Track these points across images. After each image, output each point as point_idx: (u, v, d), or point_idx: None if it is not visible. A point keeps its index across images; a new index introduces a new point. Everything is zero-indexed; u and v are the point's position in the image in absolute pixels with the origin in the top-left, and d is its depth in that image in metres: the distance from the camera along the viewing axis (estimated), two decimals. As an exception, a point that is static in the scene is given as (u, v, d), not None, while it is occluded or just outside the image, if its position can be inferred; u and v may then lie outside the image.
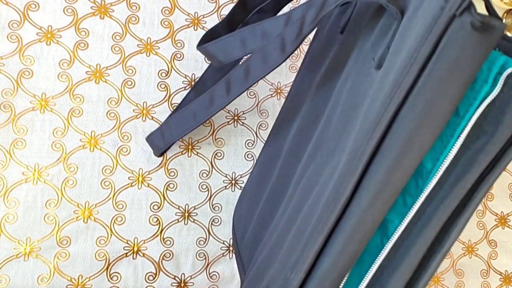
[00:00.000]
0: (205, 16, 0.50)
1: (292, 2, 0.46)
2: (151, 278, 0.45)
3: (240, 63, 0.41)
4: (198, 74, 0.49)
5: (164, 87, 0.48)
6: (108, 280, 0.44)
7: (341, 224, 0.25)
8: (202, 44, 0.40)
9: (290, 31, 0.33)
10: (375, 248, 0.26)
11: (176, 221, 0.46)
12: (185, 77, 0.48)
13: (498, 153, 0.23)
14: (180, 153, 0.47)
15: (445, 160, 0.24)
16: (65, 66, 0.45)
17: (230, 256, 0.47)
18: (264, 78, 0.51)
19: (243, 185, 0.48)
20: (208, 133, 0.48)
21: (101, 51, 0.46)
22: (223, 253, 0.47)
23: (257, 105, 0.50)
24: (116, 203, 0.45)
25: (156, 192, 0.46)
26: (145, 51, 0.47)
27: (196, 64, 0.49)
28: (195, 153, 0.48)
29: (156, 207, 0.46)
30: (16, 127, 0.43)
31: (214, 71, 0.47)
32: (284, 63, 0.51)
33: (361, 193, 0.24)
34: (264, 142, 0.49)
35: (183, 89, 0.48)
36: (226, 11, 0.50)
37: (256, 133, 0.50)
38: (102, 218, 0.44)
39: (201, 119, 0.40)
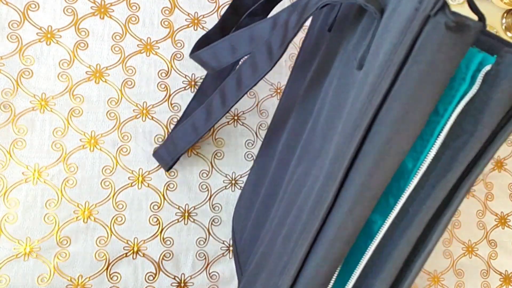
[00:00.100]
0: (205, 16, 0.50)
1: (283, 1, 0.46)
2: (151, 278, 0.45)
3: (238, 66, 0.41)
4: (198, 74, 0.49)
5: (164, 87, 0.48)
6: (108, 280, 0.44)
7: (324, 230, 0.25)
8: (195, 51, 0.40)
9: (276, 37, 0.33)
10: (359, 249, 0.26)
11: (176, 221, 0.46)
12: (185, 77, 0.48)
13: (478, 151, 0.23)
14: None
15: (425, 160, 0.23)
16: (65, 66, 0.45)
17: (230, 256, 0.47)
18: (264, 78, 0.51)
19: (243, 185, 0.48)
20: (208, 133, 0.48)
21: (101, 51, 0.46)
22: (223, 253, 0.47)
23: (257, 105, 0.50)
24: (116, 203, 0.45)
25: (156, 192, 0.46)
26: (145, 51, 0.47)
27: (196, 64, 0.49)
28: (195, 153, 0.48)
29: (156, 207, 0.46)
30: (16, 127, 0.43)
31: (213, 79, 0.47)
32: (284, 63, 0.51)
33: (342, 199, 0.24)
34: (264, 142, 0.49)
35: (183, 89, 0.48)
36: (226, 11, 0.50)
37: (256, 133, 0.50)
38: (102, 218, 0.44)
39: (202, 132, 0.41)
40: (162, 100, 0.47)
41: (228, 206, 0.48)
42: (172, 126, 0.47)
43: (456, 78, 0.22)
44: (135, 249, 0.45)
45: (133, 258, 0.45)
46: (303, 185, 0.29)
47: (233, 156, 0.49)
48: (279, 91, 0.51)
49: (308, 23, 0.43)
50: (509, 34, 0.57)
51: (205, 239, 0.47)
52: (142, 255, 0.45)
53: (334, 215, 0.24)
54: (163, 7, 0.48)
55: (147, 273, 0.45)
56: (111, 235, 0.44)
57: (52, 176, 0.43)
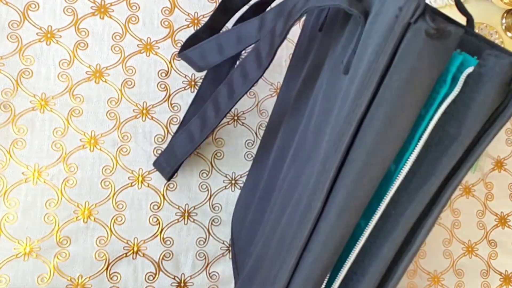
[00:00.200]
0: (205, 16, 0.50)
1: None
2: (151, 278, 0.45)
3: (235, 65, 0.41)
4: (198, 74, 0.49)
5: (164, 87, 0.48)
6: (108, 280, 0.44)
7: (312, 239, 0.25)
8: (184, 49, 0.40)
9: (263, 44, 0.33)
10: (345, 252, 0.26)
11: (176, 221, 0.46)
12: (185, 77, 0.48)
13: (462, 155, 0.23)
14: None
15: (406, 163, 0.23)
16: (65, 66, 0.45)
17: (230, 256, 0.47)
18: (264, 78, 0.51)
19: (242, 185, 0.48)
20: (208, 133, 0.48)
21: (101, 51, 0.46)
22: (223, 253, 0.47)
23: (257, 105, 0.50)
24: (116, 203, 0.45)
25: (156, 192, 0.46)
26: (145, 51, 0.47)
27: (196, 64, 0.49)
28: (195, 153, 0.48)
29: (156, 207, 0.46)
30: (16, 127, 0.43)
31: (211, 84, 0.46)
32: (284, 63, 0.51)
33: (329, 208, 0.23)
34: (264, 142, 0.49)
35: (183, 89, 0.48)
36: (226, 11, 0.50)
37: (256, 133, 0.50)
38: (102, 218, 0.44)
39: (198, 141, 0.41)
40: (162, 100, 0.47)
41: (228, 206, 0.48)
42: (172, 126, 0.47)
43: (437, 80, 0.21)
44: (135, 249, 0.45)
45: (133, 258, 0.45)
46: (294, 191, 0.28)
47: (233, 156, 0.49)
48: (279, 91, 0.51)
49: (303, 20, 0.44)
50: (509, 34, 0.57)
51: (205, 239, 0.47)
52: (142, 255, 0.45)
53: (322, 224, 0.24)
54: (163, 7, 0.48)
55: (147, 273, 0.45)
56: (111, 235, 0.44)
57: (52, 176, 0.43)
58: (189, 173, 0.47)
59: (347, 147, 0.22)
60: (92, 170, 0.44)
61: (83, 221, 0.44)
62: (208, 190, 0.48)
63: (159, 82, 0.47)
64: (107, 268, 0.44)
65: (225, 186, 0.48)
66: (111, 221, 0.44)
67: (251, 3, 0.43)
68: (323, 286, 0.25)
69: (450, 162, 0.23)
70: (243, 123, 0.50)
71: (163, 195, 0.46)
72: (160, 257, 0.45)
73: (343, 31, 0.27)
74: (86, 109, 0.45)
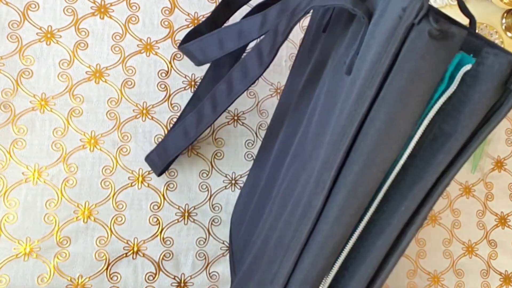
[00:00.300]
0: (205, 16, 0.50)
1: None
2: (151, 278, 0.45)
3: (234, 62, 0.41)
4: (198, 74, 0.49)
5: (164, 87, 0.48)
6: (108, 280, 0.44)
7: (312, 238, 0.25)
8: (184, 43, 0.40)
9: (266, 42, 0.33)
10: None
11: (176, 221, 0.46)
12: (185, 77, 0.48)
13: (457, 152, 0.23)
14: (180, 153, 0.47)
15: (400, 160, 0.23)
16: (65, 66, 0.45)
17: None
18: (264, 78, 0.51)
19: (242, 185, 0.48)
20: (208, 133, 0.48)
21: (101, 51, 0.46)
22: (223, 253, 0.47)
23: (257, 105, 0.50)
24: (116, 203, 0.45)
25: (156, 192, 0.46)
26: (145, 51, 0.47)
27: (196, 64, 0.49)
28: (195, 153, 0.48)
29: (156, 207, 0.46)
30: (16, 127, 0.43)
31: (209, 84, 0.46)
32: (284, 63, 0.51)
33: (329, 207, 0.23)
34: (264, 142, 0.49)
35: (183, 89, 0.48)
36: (226, 11, 0.50)
37: (256, 133, 0.50)
38: (102, 218, 0.44)
39: (192, 137, 0.40)
40: (162, 100, 0.47)
41: (228, 206, 0.48)
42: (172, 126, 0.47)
43: None
44: (135, 249, 0.45)
45: (133, 258, 0.45)
46: (294, 190, 0.28)
47: (233, 156, 0.49)
48: (279, 91, 0.51)
49: (307, 22, 0.43)
50: (509, 34, 0.57)
51: (205, 239, 0.47)
52: (142, 255, 0.45)
53: (322, 223, 0.24)
54: (163, 7, 0.48)
55: (147, 273, 0.45)
56: (111, 235, 0.44)
57: (52, 176, 0.43)
58: (189, 173, 0.47)
59: (349, 147, 0.22)
60: (92, 170, 0.44)
61: (83, 221, 0.44)
62: (208, 190, 0.48)
63: (159, 82, 0.47)
64: (107, 268, 0.44)
65: (225, 186, 0.48)
66: (111, 221, 0.44)
67: (255, 2, 0.43)
68: (321, 286, 0.25)
69: (445, 159, 0.23)
70: (243, 123, 0.50)
71: (163, 195, 0.46)
72: (160, 257, 0.45)
73: (347, 32, 0.27)
74: (86, 109, 0.45)
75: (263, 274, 0.30)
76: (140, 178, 0.46)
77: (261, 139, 0.50)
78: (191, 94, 0.48)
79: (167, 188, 0.46)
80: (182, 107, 0.48)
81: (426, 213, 0.24)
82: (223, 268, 0.47)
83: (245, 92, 0.50)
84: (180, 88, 0.48)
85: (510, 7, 0.57)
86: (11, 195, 0.42)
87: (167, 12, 0.49)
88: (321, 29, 0.34)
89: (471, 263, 0.54)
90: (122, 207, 0.45)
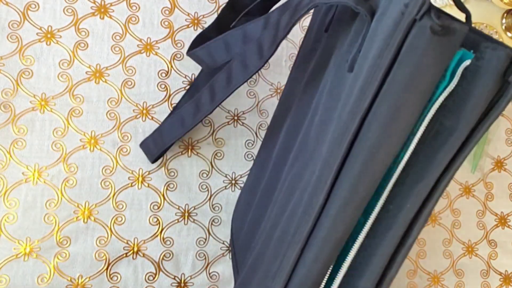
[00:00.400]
0: (205, 16, 0.50)
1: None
2: (151, 278, 0.45)
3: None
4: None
5: (164, 87, 0.48)
6: (108, 280, 0.44)
7: (314, 233, 0.25)
8: (193, 48, 0.40)
9: (267, 36, 0.33)
10: (344, 248, 0.26)
11: (176, 221, 0.46)
12: (185, 77, 0.48)
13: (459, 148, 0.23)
14: (180, 153, 0.47)
15: (403, 157, 0.23)
16: (65, 66, 0.45)
17: (230, 256, 0.47)
18: (264, 78, 0.51)
19: (243, 185, 0.48)
20: (208, 133, 0.48)
21: (101, 51, 0.46)
22: (223, 253, 0.47)
23: (257, 105, 0.50)
24: (116, 203, 0.45)
25: (156, 192, 0.46)
26: (145, 51, 0.47)
27: (196, 64, 0.49)
28: (195, 153, 0.48)
29: (156, 207, 0.46)
30: (16, 127, 0.43)
31: (207, 76, 0.46)
32: (284, 63, 0.51)
33: (332, 202, 0.24)
34: (264, 142, 0.49)
35: (183, 89, 0.48)
36: (226, 11, 0.50)
37: (256, 133, 0.50)
38: (102, 218, 0.44)
39: (189, 126, 0.41)
40: (162, 100, 0.47)
41: (228, 206, 0.48)
42: (172, 126, 0.47)
43: None
44: (135, 249, 0.45)
45: (133, 258, 0.45)
46: (296, 187, 0.29)
47: (233, 156, 0.49)
48: (279, 91, 0.51)
49: (307, 22, 0.44)
50: (509, 34, 0.57)
51: (205, 239, 0.47)
52: (142, 255, 0.45)
53: (324, 219, 0.24)
54: (163, 7, 0.48)
55: (147, 273, 0.45)
56: (111, 235, 0.44)
57: (52, 176, 0.43)
58: (189, 173, 0.47)
59: (351, 142, 0.22)
60: (92, 170, 0.44)
61: (83, 221, 0.44)
62: (208, 190, 0.48)
63: (159, 82, 0.47)
64: (107, 268, 0.44)
65: (225, 186, 0.48)
66: (111, 221, 0.44)
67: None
68: (323, 282, 0.25)
69: (448, 155, 0.23)
70: (243, 123, 0.50)
71: (163, 195, 0.46)
72: (160, 257, 0.45)
73: (349, 30, 0.27)
74: (86, 109, 0.45)
75: (265, 272, 0.30)
76: (140, 178, 0.46)
77: (261, 139, 0.50)
78: (191, 94, 0.48)
79: (167, 188, 0.46)
80: (182, 107, 0.48)
81: (431, 209, 0.24)
82: (223, 268, 0.47)
83: (245, 92, 0.50)
84: (180, 88, 0.48)
85: (510, 7, 0.57)
86: (11, 195, 0.42)
87: (167, 12, 0.49)
88: (323, 28, 0.34)
89: (471, 263, 0.54)
90: (122, 207, 0.45)
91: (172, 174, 0.47)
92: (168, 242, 0.46)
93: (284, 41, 0.51)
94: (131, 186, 0.45)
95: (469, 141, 0.23)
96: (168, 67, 0.48)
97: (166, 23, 0.48)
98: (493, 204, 0.56)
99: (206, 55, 0.39)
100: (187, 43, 0.49)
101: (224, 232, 0.47)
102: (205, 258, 0.47)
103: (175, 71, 0.48)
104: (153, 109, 0.47)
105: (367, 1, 0.24)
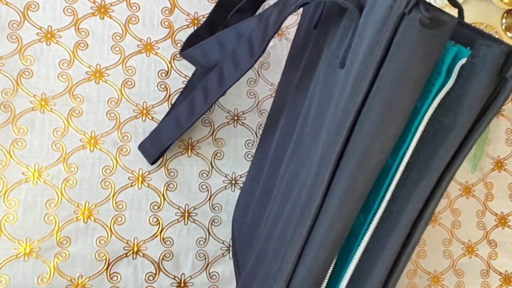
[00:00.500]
0: (205, 16, 0.50)
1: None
2: (151, 278, 0.45)
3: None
4: (198, 74, 0.49)
5: (164, 87, 0.48)
6: (108, 280, 0.44)
7: (313, 232, 0.25)
8: (185, 49, 0.40)
9: (256, 34, 0.33)
10: (349, 250, 0.26)
11: (176, 221, 0.46)
12: (185, 77, 0.48)
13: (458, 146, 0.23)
14: (180, 153, 0.47)
15: (404, 157, 0.23)
16: (65, 66, 0.45)
17: (230, 256, 0.47)
18: (264, 78, 0.51)
19: (242, 185, 0.48)
20: (208, 133, 0.48)
21: (101, 51, 0.46)
22: (223, 253, 0.47)
23: (257, 105, 0.50)
24: (116, 203, 0.45)
25: (156, 192, 0.46)
26: (145, 51, 0.47)
27: (196, 64, 0.49)
28: (195, 153, 0.48)
29: (156, 207, 0.46)
30: (16, 127, 0.43)
31: (202, 75, 0.46)
32: (284, 63, 0.51)
33: (329, 201, 0.23)
34: (264, 142, 0.49)
35: (183, 89, 0.48)
36: (226, 11, 0.50)
37: (256, 133, 0.50)
38: (102, 218, 0.44)
39: (185, 127, 0.41)
40: (162, 100, 0.47)
41: (228, 206, 0.48)
42: (172, 126, 0.47)
43: (432, 73, 0.21)
44: (135, 249, 0.45)
45: (133, 258, 0.45)
46: (293, 186, 0.28)
47: (233, 156, 0.49)
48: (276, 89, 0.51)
49: (299, 19, 0.44)
50: (509, 34, 0.57)
51: (205, 239, 0.47)
52: (142, 255, 0.45)
53: (322, 217, 0.24)
54: (163, 7, 0.48)
55: (147, 273, 0.45)
56: (111, 235, 0.44)
57: (52, 176, 0.43)
58: (189, 173, 0.47)
59: (345, 139, 0.22)
60: (92, 170, 0.44)
61: (83, 221, 0.44)
62: (208, 190, 0.48)
63: (159, 82, 0.47)
64: (107, 268, 0.44)
65: (225, 186, 0.48)
66: (111, 221, 0.44)
67: None
68: (324, 282, 0.25)
69: (448, 154, 0.23)
70: (243, 123, 0.50)
71: (163, 195, 0.46)
72: (160, 257, 0.45)
73: (338, 26, 0.27)
74: (86, 109, 0.45)
75: (266, 272, 0.30)
76: (140, 178, 0.46)
77: (261, 139, 0.50)
78: (191, 94, 0.48)
79: (167, 188, 0.46)
80: (182, 107, 0.48)
81: (433, 209, 0.24)
82: (223, 268, 0.47)
83: (245, 92, 0.50)
84: (180, 88, 0.48)
85: (510, 7, 0.57)
86: (11, 195, 0.42)
87: (167, 12, 0.49)
88: (312, 25, 0.34)
89: (471, 263, 0.54)
90: (122, 207, 0.45)
91: (172, 174, 0.47)
92: (168, 242, 0.46)
93: (284, 41, 0.51)
94: (131, 186, 0.45)
95: (468, 139, 0.23)
96: (168, 67, 0.48)
97: (166, 23, 0.48)
98: (493, 204, 0.56)
99: (200, 55, 0.39)
100: (187, 43, 0.49)
101: (224, 232, 0.47)
102: (205, 258, 0.47)
103: (175, 71, 0.48)
104: (153, 109, 0.47)
105: None
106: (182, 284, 0.46)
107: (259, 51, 0.33)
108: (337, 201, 0.23)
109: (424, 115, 0.23)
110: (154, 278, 0.45)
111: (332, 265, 0.25)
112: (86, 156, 0.44)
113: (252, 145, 0.50)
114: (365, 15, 0.23)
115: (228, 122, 0.49)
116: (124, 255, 0.44)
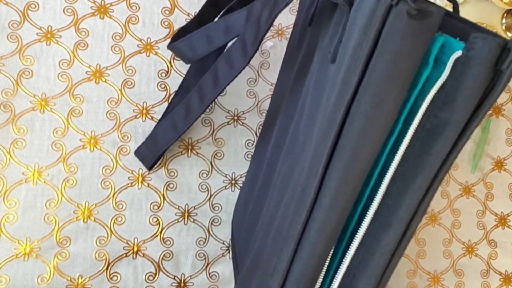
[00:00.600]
0: (205, 16, 0.50)
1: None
2: (151, 278, 0.45)
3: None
4: (198, 74, 0.49)
5: (164, 87, 0.48)
6: (108, 280, 0.44)
7: (308, 227, 0.25)
8: (173, 42, 0.40)
9: (249, 33, 0.33)
10: (343, 248, 0.26)
11: (176, 221, 0.46)
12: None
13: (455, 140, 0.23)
14: (180, 153, 0.47)
15: (398, 151, 0.23)
16: (65, 66, 0.45)
17: (230, 256, 0.47)
18: (264, 78, 0.51)
19: (242, 185, 0.48)
20: (208, 133, 0.48)
21: (101, 51, 0.46)
22: (223, 253, 0.47)
23: (257, 105, 0.50)
24: (116, 203, 0.45)
25: (156, 192, 0.46)
26: (145, 51, 0.47)
27: (196, 64, 0.49)
28: (195, 153, 0.48)
29: (156, 207, 0.46)
30: (16, 127, 0.43)
31: (195, 75, 0.46)
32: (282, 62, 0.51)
33: (323, 195, 0.24)
34: (264, 142, 0.49)
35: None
36: (226, 11, 0.50)
37: (256, 133, 0.50)
38: (102, 218, 0.44)
39: (181, 129, 0.41)
40: (162, 100, 0.47)
41: (228, 206, 0.48)
42: (172, 126, 0.47)
43: (420, 63, 0.21)
44: (135, 249, 0.45)
45: (133, 258, 0.45)
46: (288, 183, 0.29)
47: (233, 156, 0.49)
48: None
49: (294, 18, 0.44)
50: (509, 34, 0.57)
51: (205, 239, 0.47)
52: (142, 255, 0.45)
53: (316, 211, 0.24)
54: (163, 7, 0.49)
55: (147, 273, 0.45)
56: (111, 235, 0.44)
57: (52, 176, 0.43)
58: (189, 173, 0.47)
59: (337, 133, 0.22)
60: (92, 170, 0.44)
61: (83, 221, 0.44)
62: (208, 190, 0.48)
63: (159, 82, 0.47)
64: (107, 268, 0.44)
65: (225, 186, 0.48)
66: (111, 221, 0.44)
67: None
68: (321, 276, 0.25)
69: (445, 147, 0.23)
70: (243, 123, 0.50)
71: (163, 195, 0.46)
72: (160, 257, 0.45)
73: (330, 22, 0.27)
74: (86, 109, 0.45)
75: (264, 269, 0.30)
76: (140, 178, 0.46)
77: (261, 139, 0.50)
78: (191, 94, 0.48)
79: (167, 188, 0.46)
80: (182, 107, 0.47)
81: (429, 201, 0.24)
82: (223, 268, 0.47)
83: (245, 92, 0.50)
84: (180, 88, 0.48)
85: (510, 7, 0.57)
86: (11, 195, 0.42)
87: (167, 12, 0.49)
88: (307, 23, 0.35)
89: (471, 263, 0.54)
90: (122, 207, 0.45)
91: (172, 174, 0.47)
92: (168, 242, 0.46)
93: (284, 41, 0.51)
94: (131, 186, 0.45)
95: (465, 132, 0.23)
96: (168, 67, 0.48)
97: (166, 23, 0.48)
98: (493, 204, 0.56)
99: (187, 48, 0.39)
100: (187, 43, 0.49)
101: (224, 232, 0.47)
102: (205, 258, 0.47)
103: (175, 71, 0.48)
104: (153, 109, 0.47)
105: None
106: (182, 284, 0.46)
107: (252, 51, 0.33)
108: (331, 195, 0.23)
109: (418, 108, 0.23)
110: (154, 278, 0.45)
111: (328, 259, 0.25)
112: (86, 156, 0.44)
113: (252, 145, 0.50)
114: (354, 9, 0.23)
115: (228, 122, 0.49)
116: (124, 255, 0.44)
